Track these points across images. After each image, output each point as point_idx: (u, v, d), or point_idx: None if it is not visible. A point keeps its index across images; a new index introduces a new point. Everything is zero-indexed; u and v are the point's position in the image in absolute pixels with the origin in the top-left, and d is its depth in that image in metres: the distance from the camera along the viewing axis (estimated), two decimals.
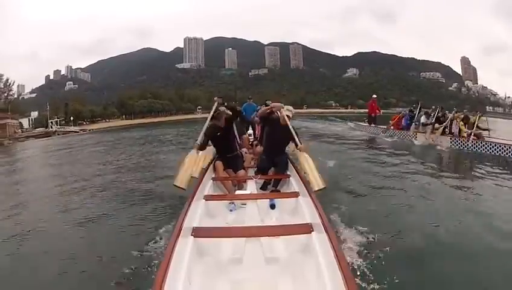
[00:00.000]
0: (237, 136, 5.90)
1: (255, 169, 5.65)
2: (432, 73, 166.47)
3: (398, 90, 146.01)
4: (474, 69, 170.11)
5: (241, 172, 5.33)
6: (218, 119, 5.31)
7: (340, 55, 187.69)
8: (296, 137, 5.13)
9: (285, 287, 2.60)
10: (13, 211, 6.84)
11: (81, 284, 3.61)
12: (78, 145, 24.81)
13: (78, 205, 6.83)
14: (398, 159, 10.65)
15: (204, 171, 4.97)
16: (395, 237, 4.49)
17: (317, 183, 4.13)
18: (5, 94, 59.31)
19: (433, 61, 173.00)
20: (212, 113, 5.34)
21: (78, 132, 55.60)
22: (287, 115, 5.26)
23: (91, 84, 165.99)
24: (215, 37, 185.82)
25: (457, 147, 12.19)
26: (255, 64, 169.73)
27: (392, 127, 16.46)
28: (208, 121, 5.28)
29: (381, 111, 20.22)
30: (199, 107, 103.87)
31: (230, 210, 4.24)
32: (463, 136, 12.08)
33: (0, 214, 6.63)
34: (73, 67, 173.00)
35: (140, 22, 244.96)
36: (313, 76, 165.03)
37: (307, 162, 4.54)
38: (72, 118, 65.75)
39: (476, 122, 12.02)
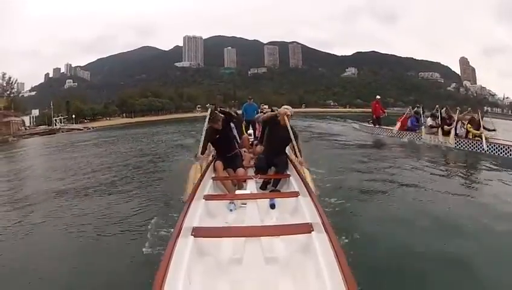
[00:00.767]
0: (237, 136, 5.88)
1: (255, 169, 5.59)
2: (430, 73, 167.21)
3: (396, 90, 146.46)
4: (473, 70, 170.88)
5: (241, 171, 5.32)
6: (215, 121, 5.35)
7: (339, 55, 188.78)
8: (295, 145, 5.20)
9: (285, 287, 2.62)
10: (24, 205, 7.01)
11: (81, 283, 3.60)
12: (83, 142, 25.32)
13: (80, 201, 6.93)
14: (407, 161, 10.40)
15: (204, 171, 4.93)
16: (396, 238, 4.48)
17: None
18: (8, 92, 59.86)
19: (432, 62, 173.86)
20: (208, 118, 5.38)
21: (82, 129, 56.42)
22: (287, 114, 5.31)
23: (91, 82, 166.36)
24: (215, 36, 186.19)
25: (465, 148, 11.87)
26: (254, 63, 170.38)
27: (398, 128, 15.98)
28: (205, 125, 5.39)
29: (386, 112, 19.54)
30: (198, 105, 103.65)
31: (230, 210, 4.21)
32: (471, 138, 11.82)
33: (10, 208, 6.83)
34: (72, 66, 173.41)
35: (140, 21, 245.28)
36: (312, 75, 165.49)
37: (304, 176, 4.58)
38: (73, 116, 66.41)
39: (481, 124, 11.72)
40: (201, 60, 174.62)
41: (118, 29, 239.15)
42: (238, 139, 6.09)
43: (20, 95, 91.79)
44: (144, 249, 4.05)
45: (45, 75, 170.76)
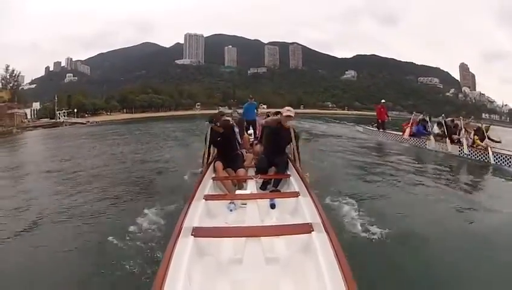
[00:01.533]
0: (238, 138, 5.90)
1: (255, 169, 5.62)
2: (429, 78, 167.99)
3: (395, 94, 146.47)
4: (473, 76, 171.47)
5: (241, 171, 5.35)
6: (217, 127, 5.42)
7: (340, 57, 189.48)
8: (296, 149, 5.33)
9: (286, 287, 2.62)
10: (28, 196, 7.33)
11: (80, 283, 3.61)
12: (87, 135, 26.08)
13: (79, 198, 6.93)
14: (409, 166, 10.46)
15: (204, 171, 5.00)
16: (398, 238, 4.53)
17: None
18: (11, 84, 60.23)
19: (431, 67, 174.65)
20: (208, 134, 5.51)
21: (85, 123, 57.16)
22: (288, 115, 5.38)
23: (91, 77, 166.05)
24: (216, 34, 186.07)
25: (472, 157, 11.65)
26: (254, 63, 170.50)
27: (405, 134, 15.77)
28: (206, 142, 5.53)
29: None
30: (198, 103, 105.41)
31: (231, 210, 4.19)
32: (477, 147, 11.64)
33: (15, 200, 7.04)
34: (73, 60, 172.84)
35: (141, 16, 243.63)
36: (312, 77, 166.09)
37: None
38: (75, 110, 66.93)
39: (487, 134, 11.66)
40: (201, 57, 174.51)
41: (119, 25, 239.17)
42: (240, 140, 6.08)
43: (20, 87, 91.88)
44: (143, 249, 4.09)
45: (45, 68, 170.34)
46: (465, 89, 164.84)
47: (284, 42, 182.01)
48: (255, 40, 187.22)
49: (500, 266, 3.93)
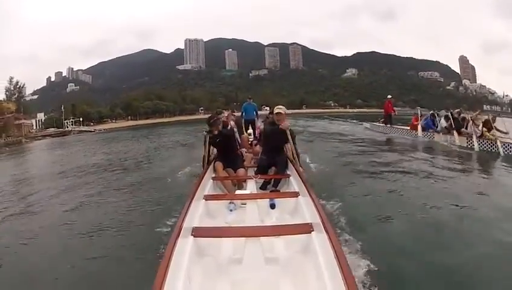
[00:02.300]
0: (238, 138, 5.83)
1: (255, 169, 5.60)
2: (430, 72, 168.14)
3: (397, 89, 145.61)
4: (473, 68, 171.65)
5: (241, 171, 5.31)
6: (216, 125, 5.34)
7: (340, 56, 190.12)
8: (293, 148, 5.39)
9: (285, 287, 2.62)
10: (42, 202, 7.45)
11: (80, 283, 3.62)
12: (98, 142, 27.10)
13: (83, 199, 7.07)
14: (420, 160, 10.39)
15: (204, 171, 4.98)
16: (398, 238, 4.45)
17: None
18: (15, 96, 61.12)
19: (431, 61, 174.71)
20: (207, 139, 5.46)
21: (93, 131, 58.30)
22: (278, 112, 5.40)
23: (92, 85, 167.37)
24: (216, 38, 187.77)
25: (481, 149, 11.71)
26: (255, 65, 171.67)
27: (412, 128, 15.91)
28: (204, 149, 5.51)
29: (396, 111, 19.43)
30: (201, 108, 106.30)
31: (230, 210, 4.17)
32: (484, 138, 11.79)
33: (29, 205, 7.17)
34: (74, 69, 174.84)
35: (140, 23, 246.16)
36: (312, 76, 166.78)
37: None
38: (81, 119, 67.98)
39: (494, 125, 11.78)
40: (202, 62, 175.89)
41: (118, 33, 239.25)
42: (239, 140, 6.02)
43: (22, 99, 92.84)
44: (143, 249, 4.09)
45: (47, 78, 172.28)
46: (466, 82, 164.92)
47: (284, 43, 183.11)
48: (254, 42, 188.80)
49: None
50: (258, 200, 3.93)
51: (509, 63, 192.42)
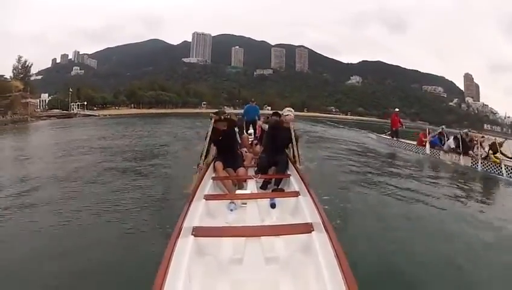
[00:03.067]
0: (238, 138, 5.85)
1: (255, 168, 5.61)
2: (433, 87, 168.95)
3: (399, 101, 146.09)
4: (477, 86, 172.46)
5: (241, 171, 5.24)
6: (221, 122, 5.30)
7: (345, 62, 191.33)
8: (296, 149, 5.30)
9: (285, 287, 2.62)
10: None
11: (80, 283, 3.60)
12: (101, 127, 28.00)
13: (82, 195, 6.90)
14: (423, 176, 10.50)
15: (204, 171, 4.89)
16: (399, 241, 4.62)
17: None
18: (22, 75, 61.10)
19: (436, 75, 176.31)
20: (210, 130, 5.34)
21: (98, 115, 58.99)
22: (288, 116, 5.45)
23: (97, 70, 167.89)
24: (223, 34, 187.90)
25: (486, 170, 11.76)
26: (260, 64, 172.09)
27: (419, 144, 15.84)
28: (208, 133, 5.35)
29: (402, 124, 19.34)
30: (204, 102, 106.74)
31: (231, 210, 4.17)
32: (489, 161, 11.89)
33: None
34: (80, 53, 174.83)
35: (150, 12, 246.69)
36: (317, 80, 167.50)
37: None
38: (85, 103, 68.39)
39: (500, 149, 11.94)
40: (208, 57, 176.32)
41: (127, 20, 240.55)
42: (239, 139, 6.01)
43: (26, 78, 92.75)
44: (143, 249, 4.10)
45: (52, 60, 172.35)
46: (469, 99, 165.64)
47: (291, 45, 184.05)
48: (262, 41, 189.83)
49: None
50: (258, 200, 3.99)
51: None
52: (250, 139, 8.27)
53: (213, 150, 5.64)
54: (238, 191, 4.52)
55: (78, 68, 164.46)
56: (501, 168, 11.23)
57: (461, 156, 12.82)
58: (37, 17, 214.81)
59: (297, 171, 4.76)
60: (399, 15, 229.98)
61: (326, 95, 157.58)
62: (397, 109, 19.96)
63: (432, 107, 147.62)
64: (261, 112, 11.49)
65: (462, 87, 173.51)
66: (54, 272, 3.67)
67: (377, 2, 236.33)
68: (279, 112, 6.29)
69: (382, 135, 20.64)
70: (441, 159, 14.00)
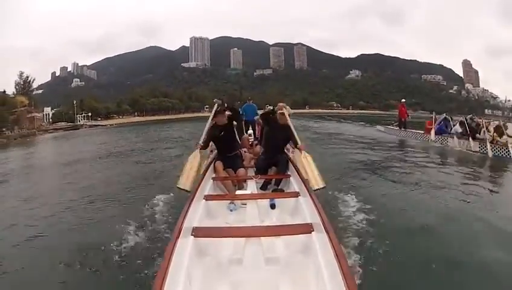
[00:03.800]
0: (237, 137, 5.82)
1: (255, 169, 5.60)
2: (433, 76, 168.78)
3: (399, 92, 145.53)
4: (476, 72, 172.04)
5: (241, 171, 5.22)
6: (221, 114, 5.28)
7: (344, 57, 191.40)
8: (295, 135, 5.20)
9: (285, 287, 2.61)
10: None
11: (80, 283, 3.65)
12: (111, 137, 28.44)
13: (84, 196, 7.23)
14: (435, 163, 10.77)
15: (204, 171, 4.92)
16: (400, 239, 4.53)
17: (317, 182, 4.26)
18: (25, 90, 61.89)
19: (435, 64, 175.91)
20: (213, 113, 5.42)
21: (105, 125, 59.75)
22: (282, 113, 5.40)
23: (97, 81, 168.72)
24: (221, 37, 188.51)
25: (495, 153, 12.18)
26: (259, 64, 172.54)
27: (427, 133, 16.09)
28: (209, 121, 5.39)
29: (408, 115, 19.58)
30: (206, 106, 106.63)
31: (231, 210, 4.18)
32: (496, 143, 12.31)
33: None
34: (79, 65, 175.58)
35: (146, 20, 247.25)
36: (316, 77, 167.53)
37: (307, 161, 4.60)
38: (89, 114, 69.29)
39: (505, 132, 12.31)
40: (207, 60, 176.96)
41: (124, 29, 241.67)
42: (239, 140, 6.01)
43: (30, 93, 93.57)
44: (143, 249, 4.13)
45: (52, 73, 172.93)
46: (468, 86, 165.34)
47: (289, 43, 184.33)
48: (259, 41, 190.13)
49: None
50: (258, 200, 4.01)
51: None
52: (250, 140, 8.34)
53: (213, 149, 5.84)
54: (238, 192, 4.56)
55: (78, 80, 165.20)
56: (508, 149, 11.83)
57: (471, 142, 13.10)
58: (33, 31, 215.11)
59: (297, 171, 4.76)
60: (395, 6, 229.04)
61: (326, 90, 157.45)
62: (403, 100, 20.20)
63: (432, 96, 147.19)
64: (261, 112, 11.58)
65: (461, 74, 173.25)
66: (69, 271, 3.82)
67: None
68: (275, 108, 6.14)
69: (389, 126, 20.97)
70: (449, 145, 14.29)
